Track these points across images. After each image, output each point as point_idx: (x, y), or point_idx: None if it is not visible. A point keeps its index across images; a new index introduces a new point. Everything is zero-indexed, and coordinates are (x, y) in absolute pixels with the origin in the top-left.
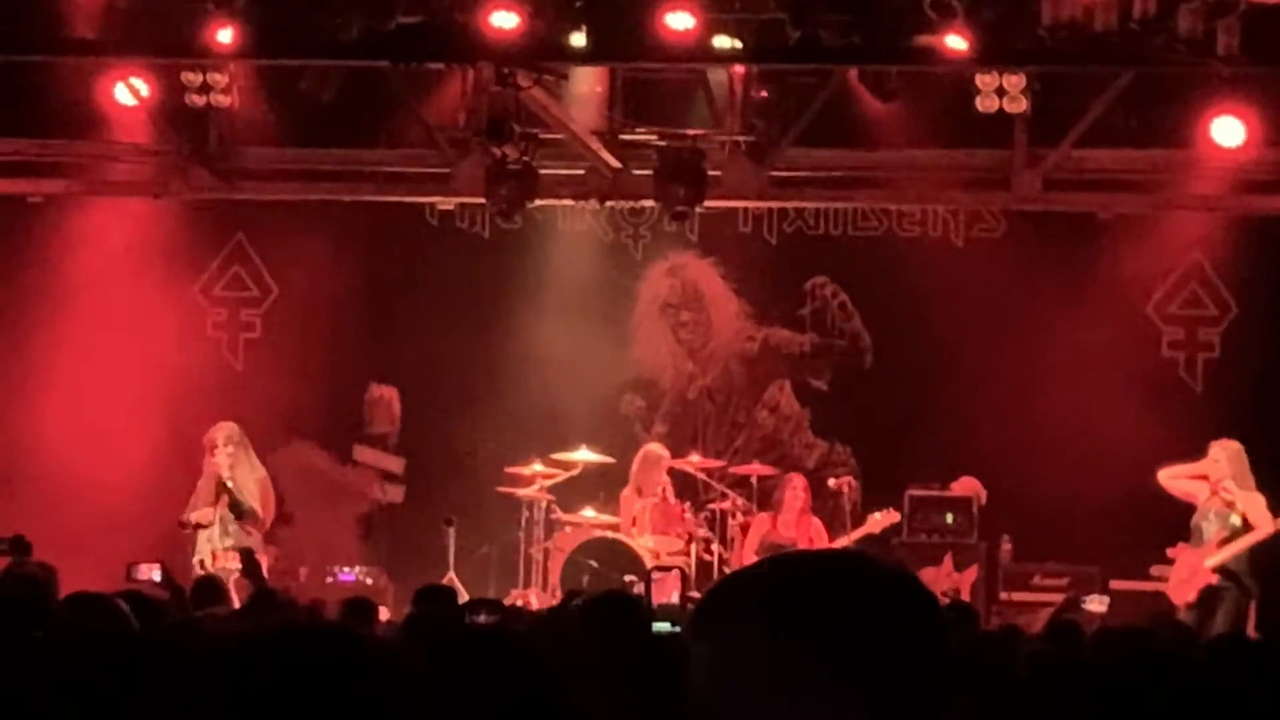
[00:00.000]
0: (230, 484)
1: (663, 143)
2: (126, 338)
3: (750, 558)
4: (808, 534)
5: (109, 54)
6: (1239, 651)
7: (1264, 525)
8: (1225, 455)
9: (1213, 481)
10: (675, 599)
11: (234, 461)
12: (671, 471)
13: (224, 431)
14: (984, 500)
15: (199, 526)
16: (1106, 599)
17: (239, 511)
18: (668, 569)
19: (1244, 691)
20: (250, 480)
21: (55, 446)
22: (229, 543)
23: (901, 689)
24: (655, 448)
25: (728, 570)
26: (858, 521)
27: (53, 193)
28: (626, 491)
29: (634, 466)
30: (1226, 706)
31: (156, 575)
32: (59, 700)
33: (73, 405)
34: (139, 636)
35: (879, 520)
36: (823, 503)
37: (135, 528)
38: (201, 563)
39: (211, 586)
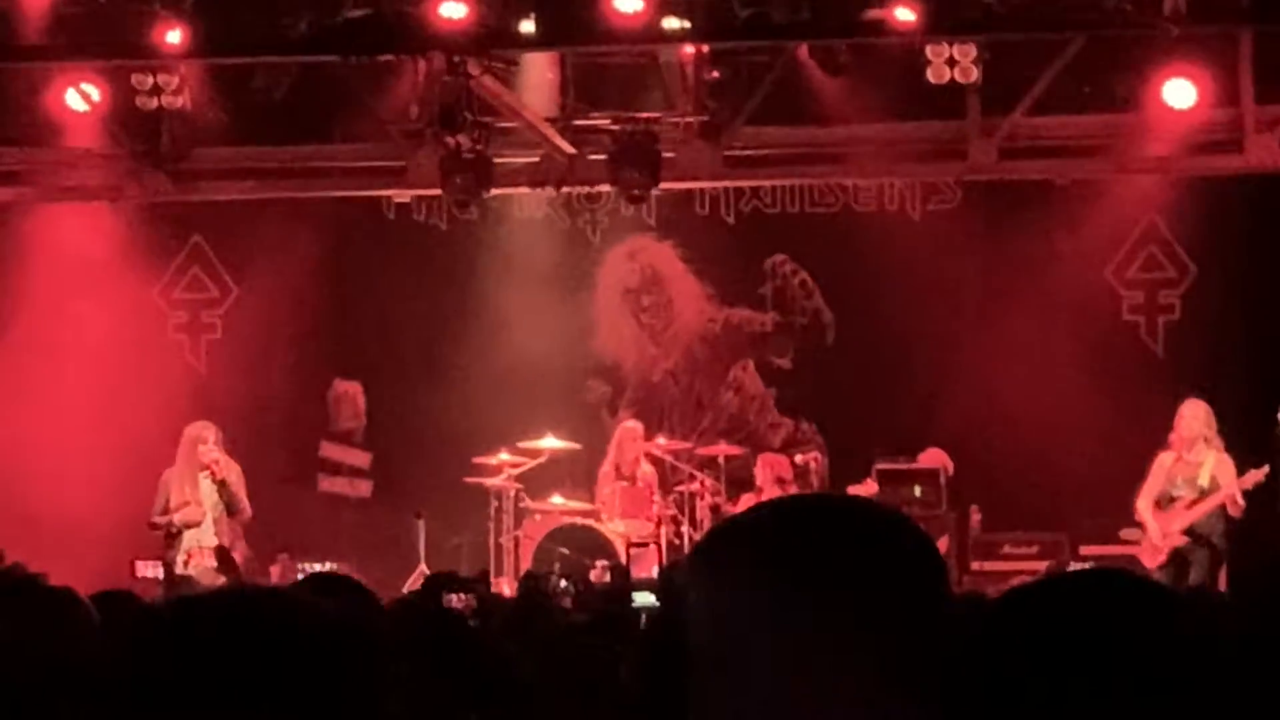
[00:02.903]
0: (224, 479)
1: (616, 127)
2: (87, 343)
3: None
4: None
5: (58, 59)
6: (1204, 605)
7: (1230, 486)
8: (1198, 413)
9: (1176, 447)
10: (654, 573)
11: (223, 459)
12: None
13: (211, 429)
14: (951, 471)
15: (186, 526)
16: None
17: (233, 508)
18: (645, 544)
19: (1207, 642)
20: (234, 475)
21: (17, 453)
22: (208, 541)
23: (908, 628)
24: (632, 425)
25: None
26: None
27: (7, 200)
28: (605, 468)
29: (611, 445)
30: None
31: (160, 573)
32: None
33: (34, 412)
34: (99, 629)
35: (857, 491)
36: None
37: (101, 532)
38: (184, 562)
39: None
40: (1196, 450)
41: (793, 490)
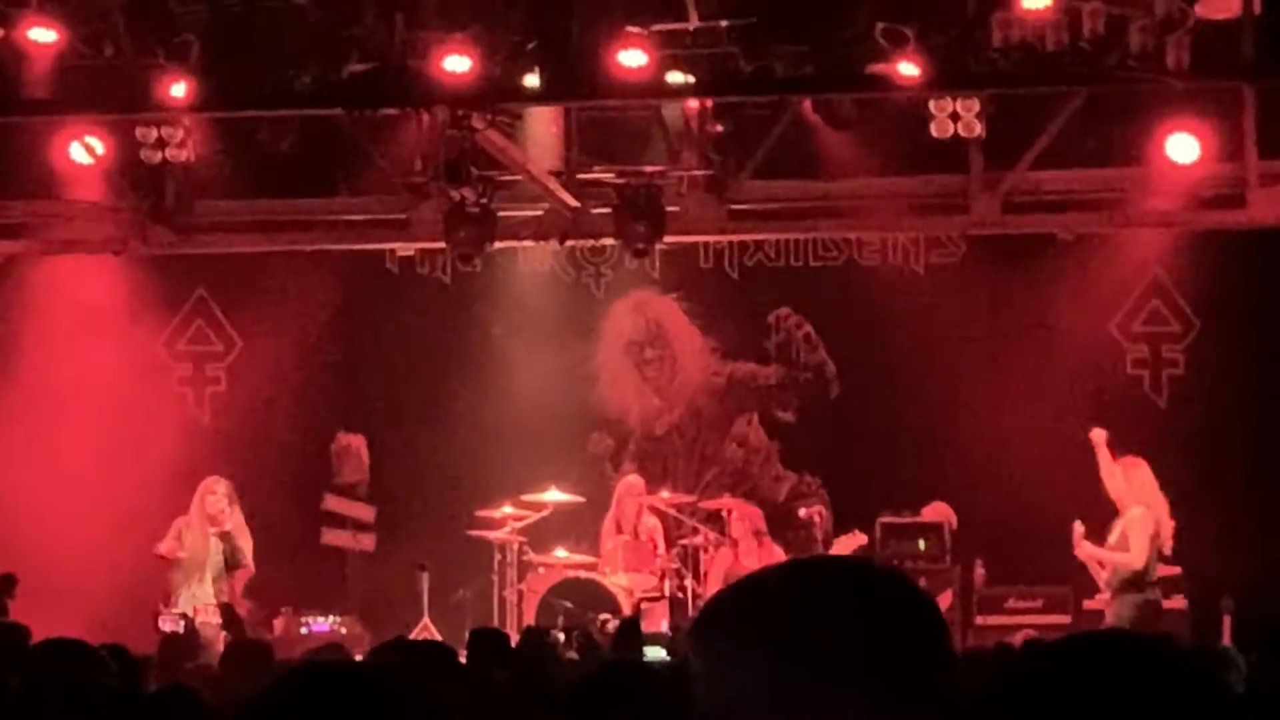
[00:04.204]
0: (229, 532)
1: (621, 180)
2: (91, 396)
3: (712, 594)
4: (770, 563)
5: (63, 112)
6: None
7: (1135, 547)
8: (1120, 472)
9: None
10: (664, 628)
11: (231, 514)
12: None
13: (223, 484)
14: (955, 525)
15: (179, 562)
16: None
17: (233, 562)
18: (657, 599)
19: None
20: (241, 533)
21: (20, 503)
22: (207, 599)
23: (903, 688)
24: (634, 479)
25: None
26: (828, 550)
27: (12, 253)
28: (606, 523)
29: (614, 498)
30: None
31: (181, 626)
32: None
33: (38, 463)
34: (115, 682)
35: (845, 543)
36: (795, 533)
37: (104, 586)
38: (185, 614)
39: (186, 641)
40: (1125, 507)
41: (768, 541)
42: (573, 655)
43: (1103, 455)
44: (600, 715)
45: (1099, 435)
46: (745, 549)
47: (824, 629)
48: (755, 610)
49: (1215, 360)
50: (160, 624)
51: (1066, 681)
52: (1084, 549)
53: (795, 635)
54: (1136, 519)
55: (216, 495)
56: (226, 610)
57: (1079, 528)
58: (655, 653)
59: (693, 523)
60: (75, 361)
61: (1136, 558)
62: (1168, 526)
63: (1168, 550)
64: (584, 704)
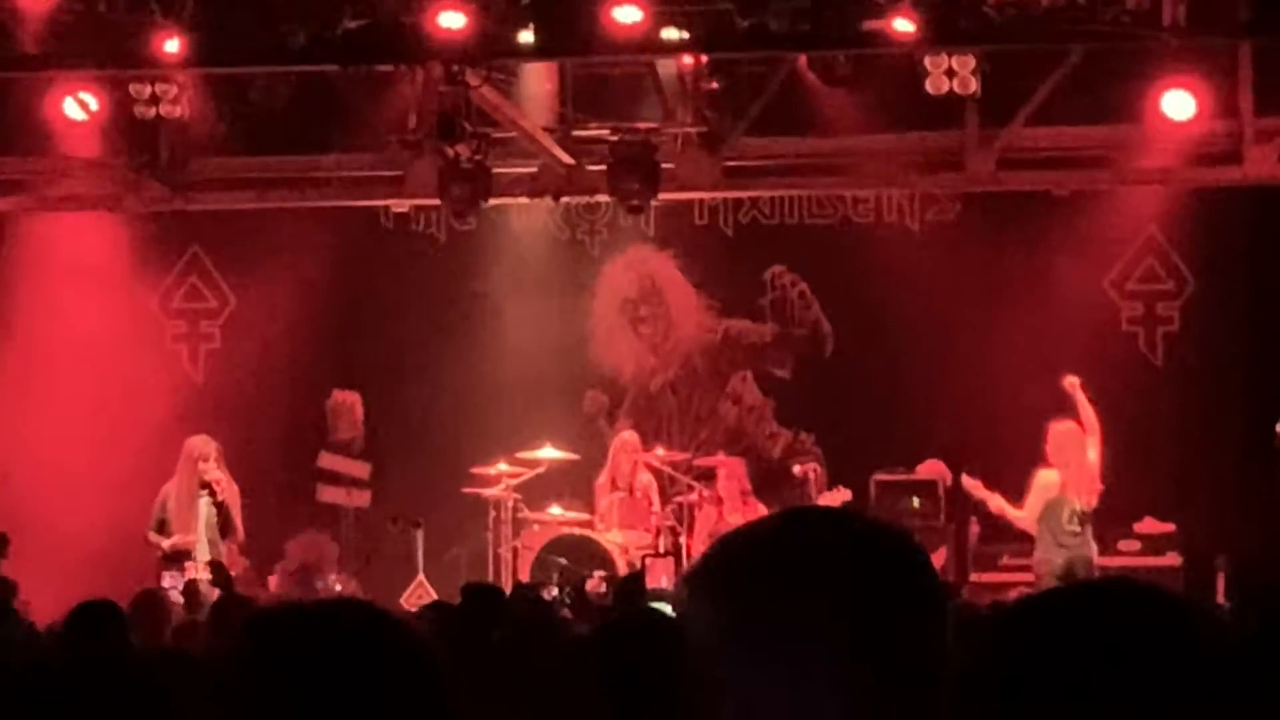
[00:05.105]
0: (224, 501)
1: (615, 137)
2: (85, 353)
3: (700, 550)
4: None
5: (56, 68)
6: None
7: (1027, 505)
8: (1050, 435)
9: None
10: (665, 583)
11: (224, 478)
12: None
13: (213, 446)
14: (950, 482)
15: (178, 551)
16: None
17: (227, 530)
18: (661, 554)
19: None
20: (232, 496)
21: (13, 461)
22: (202, 556)
23: (896, 645)
24: (629, 436)
25: None
26: None
27: (5, 209)
28: (601, 480)
29: (609, 456)
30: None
31: (180, 584)
32: None
33: (32, 421)
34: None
35: (832, 499)
36: (789, 490)
37: (98, 543)
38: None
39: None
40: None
41: (754, 501)
42: (566, 614)
43: (1080, 399)
44: (621, 665)
45: (1073, 383)
46: (730, 507)
47: (817, 587)
48: (746, 569)
49: (1210, 318)
50: (162, 581)
51: (1054, 633)
52: (995, 501)
53: (788, 594)
54: (1037, 479)
55: (209, 462)
56: (216, 568)
57: (968, 480)
58: (663, 609)
59: (687, 479)
60: (69, 318)
61: (1026, 514)
62: (1091, 489)
63: (1088, 507)
64: (605, 652)
